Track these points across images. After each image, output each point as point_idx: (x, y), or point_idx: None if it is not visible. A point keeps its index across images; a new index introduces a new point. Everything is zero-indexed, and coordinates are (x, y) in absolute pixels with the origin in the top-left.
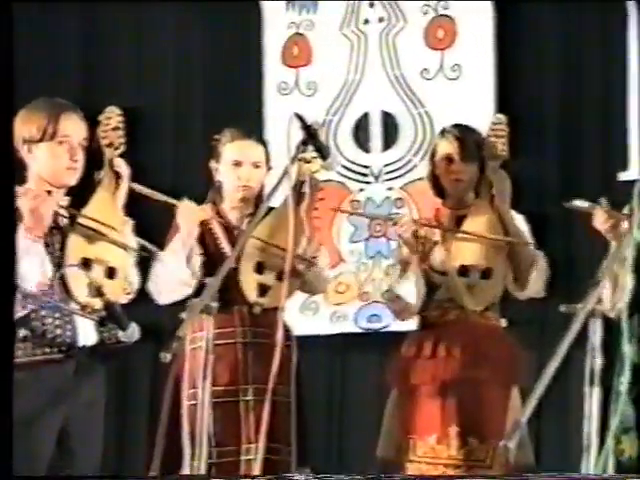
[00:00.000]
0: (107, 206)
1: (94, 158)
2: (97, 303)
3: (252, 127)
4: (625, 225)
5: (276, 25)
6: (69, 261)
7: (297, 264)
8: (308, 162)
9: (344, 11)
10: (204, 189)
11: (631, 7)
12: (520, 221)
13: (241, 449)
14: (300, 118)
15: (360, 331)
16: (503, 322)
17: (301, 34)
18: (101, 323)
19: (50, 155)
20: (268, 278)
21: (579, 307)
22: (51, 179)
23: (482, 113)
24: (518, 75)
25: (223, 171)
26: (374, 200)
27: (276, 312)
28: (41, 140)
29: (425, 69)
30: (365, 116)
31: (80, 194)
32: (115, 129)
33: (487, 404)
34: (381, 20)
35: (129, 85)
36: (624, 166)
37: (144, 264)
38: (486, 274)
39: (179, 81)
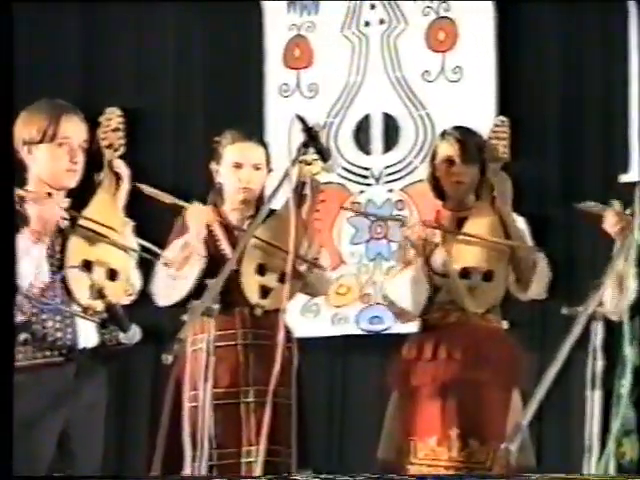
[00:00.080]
0: (107, 208)
1: (94, 159)
2: (99, 305)
3: (253, 129)
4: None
5: (277, 26)
6: (70, 263)
7: (299, 266)
8: (309, 164)
9: (345, 13)
10: (204, 190)
11: (632, 7)
12: (521, 223)
13: (242, 451)
14: (301, 120)
15: (361, 333)
16: (504, 324)
17: (302, 36)
18: (102, 325)
19: (50, 157)
20: (270, 280)
21: (581, 309)
22: (51, 181)
23: (483, 115)
24: (519, 77)
25: (224, 173)
26: (375, 202)
27: (277, 314)
28: (41, 142)
29: (426, 71)
30: (366, 118)
31: (80, 196)
32: (115, 130)
33: (488, 406)
34: (382, 22)
35: (129, 86)
36: (625, 168)
37: (145, 265)
38: (487, 276)
39: (179, 82)
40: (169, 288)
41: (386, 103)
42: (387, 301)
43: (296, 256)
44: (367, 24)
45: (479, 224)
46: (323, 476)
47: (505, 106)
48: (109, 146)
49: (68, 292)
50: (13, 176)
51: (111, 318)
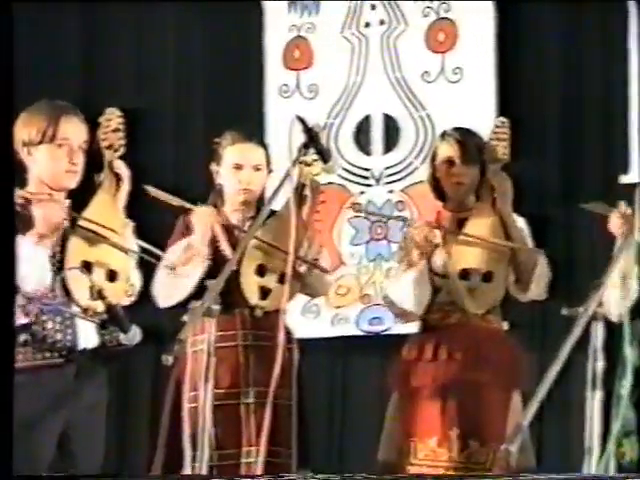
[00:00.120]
0: (108, 208)
1: (94, 160)
2: (99, 306)
3: (253, 130)
4: None
5: (277, 27)
6: (70, 264)
7: (299, 267)
8: (309, 165)
9: (345, 14)
10: (205, 191)
11: (632, 7)
12: (521, 223)
13: (242, 452)
14: (301, 121)
15: (361, 334)
16: (504, 325)
17: (302, 37)
18: (102, 326)
19: (49, 158)
20: (269, 281)
21: (581, 310)
22: (51, 182)
23: (483, 116)
24: (519, 78)
25: (224, 174)
26: (375, 203)
27: (277, 315)
28: (40, 143)
29: (426, 72)
30: (366, 119)
31: (80, 196)
32: (115, 131)
33: (488, 407)
34: (382, 23)
35: (129, 86)
36: (625, 169)
37: (146, 266)
38: (487, 277)
39: (180, 83)
40: (170, 289)
41: (386, 104)
42: (389, 302)
43: (296, 257)
44: (367, 25)
45: (480, 225)
46: (320, 476)
47: (505, 107)
48: (109, 147)
49: (68, 293)
50: (13, 177)
51: (111, 319)
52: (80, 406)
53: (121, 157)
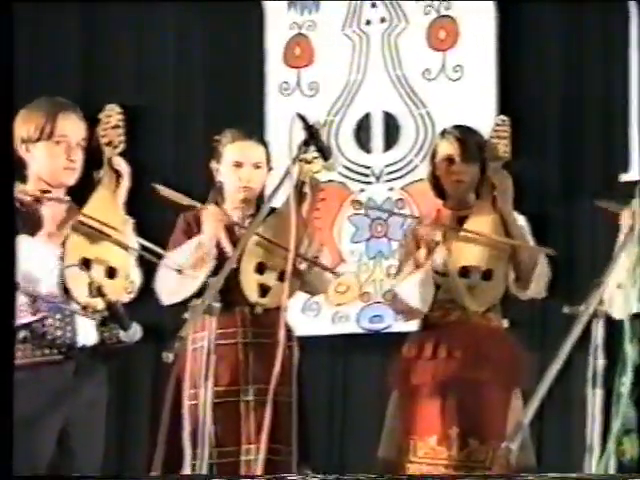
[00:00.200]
0: (107, 205)
1: (94, 157)
2: (98, 303)
3: (253, 127)
4: None
5: (278, 25)
6: (68, 261)
7: (299, 264)
8: (309, 162)
9: (346, 11)
10: (205, 189)
11: (632, 7)
12: (522, 222)
13: (241, 450)
14: (302, 118)
15: (362, 332)
16: (505, 323)
17: (303, 34)
18: (102, 323)
19: (48, 155)
20: (269, 278)
21: (582, 308)
22: (49, 179)
23: (484, 114)
24: (520, 76)
25: (224, 172)
26: (375, 200)
27: (277, 312)
28: (39, 140)
29: (427, 70)
30: (367, 117)
31: (80, 193)
32: (115, 127)
33: (488, 405)
34: (383, 20)
35: (129, 85)
36: (625, 167)
37: (146, 264)
38: (487, 275)
39: (180, 80)
40: (175, 287)
41: (387, 102)
42: (395, 299)
43: (296, 254)
44: (368, 23)
45: (480, 223)
46: (319, 477)
47: (506, 105)
48: (109, 143)
49: (66, 290)
50: (13, 175)
51: (112, 316)
52: (80, 403)
53: (121, 154)
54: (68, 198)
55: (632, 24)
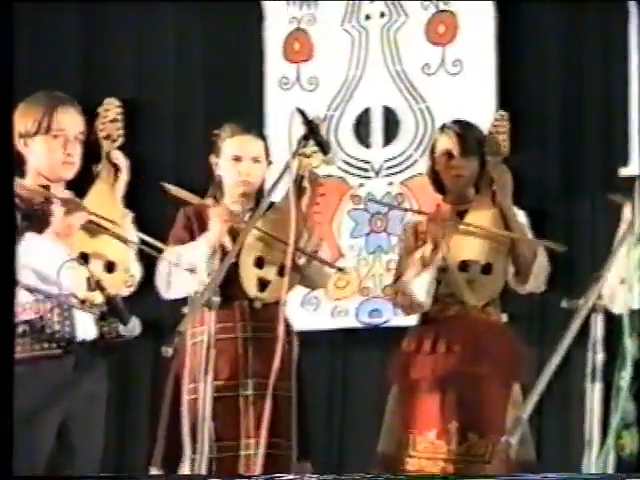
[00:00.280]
0: (106, 199)
1: (92, 151)
2: (97, 297)
3: (253, 122)
4: None
5: (277, 20)
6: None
7: (298, 259)
8: (309, 157)
9: (345, 6)
10: (204, 183)
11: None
12: (521, 216)
13: (241, 444)
14: (301, 113)
15: (361, 326)
16: (504, 317)
17: (302, 29)
18: (101, 317)
19: (45, 149)
20: (268, 273)
21: (581, 302)
22: (48, 173)
23: (483, 108)
24: (519, 70)
25: (223, 166)
26: (374, 195)
27: (276, 307)
28: (36, 134)
29: (426, 64)
30: (366, 111)
31: (79, 187)
32: (113, 121)
33: (487, 400)
34: (382, 15)
35: (129, 80)
36: (625, 162)
37: (146, 257)
38: (486, 269)
39: (179, 75)
40: (179, 281)
41: (386, 96)
42: (398, 294)
43: (296, 249)
44: (367, 17)
45: (479, 217)
46: (321, 477)
47: (505, 100)
48: (107, 137)
49: (65, 284)
50: (13, 172)
51: (111, 310)
52: (79, 398)
53: (119, 147)
54: (79, 200)
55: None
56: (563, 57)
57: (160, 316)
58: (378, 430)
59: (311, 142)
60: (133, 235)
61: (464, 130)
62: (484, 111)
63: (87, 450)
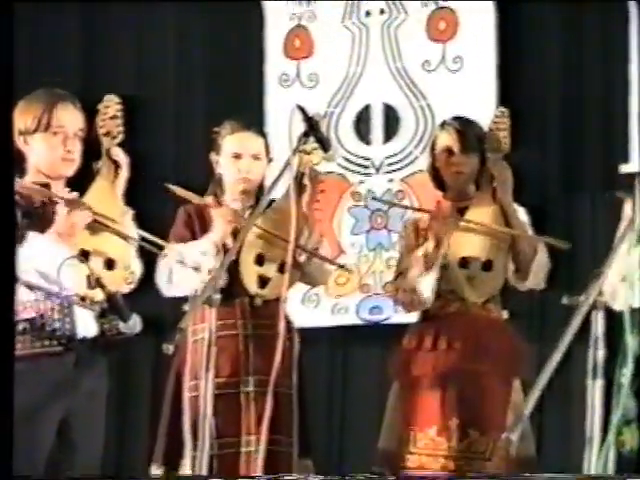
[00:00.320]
0: (106, 196)
1: (92, 148)
2: (97, 294)
3: (253, 119)
4: None
5: (278, 17)
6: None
7: (298, 256)
8: (309, 154)
9: (345, 3)
10: (204, 179)
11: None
12: (522, 213)
13: (241, 441)
14: (302, 110)
15: (361, 323)
16: (504, 314)
17: (303, 26)
18: (102, 314)
19: (45, 146)
20: (268, 270)
21: (581, 299)
22: (48, 170)
23: (483, 105)
24: (520, 67)
25: (223, 163)
26: (375, 192)
27: (277, 304)
28: (36, 131)
29: (426, 61)
30: (366, 108)
31: (79, 184)
32: (113, 118)
33: (488, 396)
34: (382, 12)
35: (129, 78)
36: (625, 158)
37: (146, 254)
38: (487, 266)
39: (179, 71)
40: (182, 280)
41: (386, 93)
42: (400, 290)
43: (296, 246)
44: (367, 14)
45: (480, 214)
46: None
47: (506, 96)
48: (107, 134)
49: (65, 282)
50: (13, 170)
51: (111, 308)
52: (80, 395)
53: (119, 144)
54: (85, 202)
55: (632, 23)
56: (563, 54)
57: (161, 313)
58: (379, 427)
59: (311, 139)
60: (133, 232)
61: (464, 127)
62: (484, 108)
63: (88, 447)
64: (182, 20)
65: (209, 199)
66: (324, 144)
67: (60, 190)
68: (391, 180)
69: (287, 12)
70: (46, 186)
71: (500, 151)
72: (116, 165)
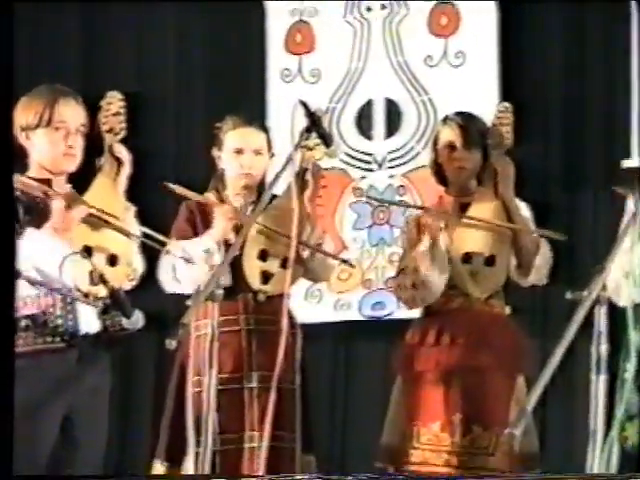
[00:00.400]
0: (108, 192)
1: (95, 144)
2: (100, 291)
3: (255, 114)
4: None
5: (279, 12)
6: (70, 249)
7: (301, 251)
8: (311, 149)
9: None
10: (206, 175)
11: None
12: (523, 208)
13: (245, 436)
14: (304, 105)
15: (364, 319)
16: (507, 309)
17: (304, 21)
18: (105, 311)
19: (47, 141)
20: (271, 265)
21: (585, 294)
22: (50, 166)
23: (486, 100)
24: (522, 62)
25: (225, 159)
26: (377, 188)
27: (280, 299)
28: (38, 126)
29: (429, 56)
30: (368, 103)
31: (81, 181)
32: (116, 114)
33: (491, 392)
34: (384, 7)
35: (130, 72)
36: (627, 154)
37: (149, 250)
38: (490, 261)
39: (181, 67)
40: (185, 276)
41: (388, 88)
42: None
43: (299, 241)
44: (369, 9)
45: (482, 209)
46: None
47: (508, 92)
48: (109, 130)
49: (68, 278)
50: (12, 166)
51: (114, 304)
52: (82, 391)
53: (122, 141)
54: (80, 196)
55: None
56: (566, 49)
57: (163, 309)
58: (382, 422)
59: (313, 134)
60: (135, 228)
61: (467, 122)
62: (487, 103)
63: (90, 443)
64: (182, 19)
65: (210, 195)
66: (326, 139)
67: (61, 186)
68: (393, 176)
69: (289, 7)
70: (48, 182)
71: (502, 146)
72: (118, 162)
